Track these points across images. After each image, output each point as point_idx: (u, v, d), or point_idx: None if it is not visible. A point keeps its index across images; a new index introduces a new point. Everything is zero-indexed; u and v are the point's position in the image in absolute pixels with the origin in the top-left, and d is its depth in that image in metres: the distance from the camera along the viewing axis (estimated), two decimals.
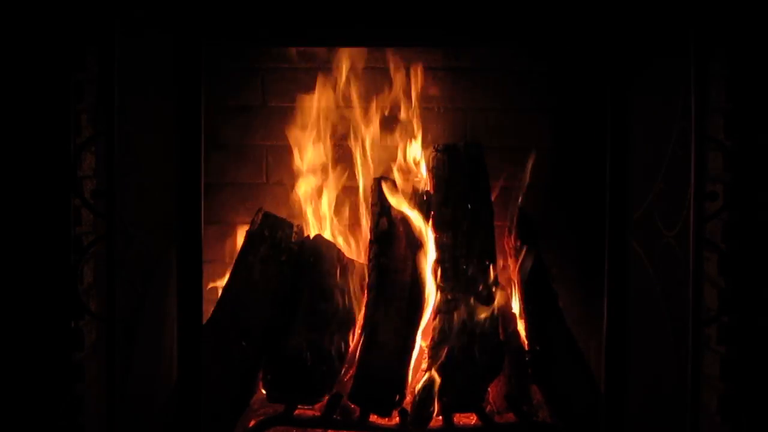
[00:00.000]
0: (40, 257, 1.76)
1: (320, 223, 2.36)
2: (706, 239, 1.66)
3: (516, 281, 2.28)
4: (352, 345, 2.17)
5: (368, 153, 2.39)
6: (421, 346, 2.18)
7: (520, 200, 2.29)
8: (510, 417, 2.12)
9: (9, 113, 1.75)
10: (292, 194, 2.36)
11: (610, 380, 1.92)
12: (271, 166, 2.42)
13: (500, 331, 2.14)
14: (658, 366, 1.81)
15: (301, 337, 2.10)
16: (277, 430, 2.01)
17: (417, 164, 2.36)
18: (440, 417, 2.03)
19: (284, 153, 2.39)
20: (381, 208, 2.18)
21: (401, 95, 2.42)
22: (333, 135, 2.40)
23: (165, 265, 1.86)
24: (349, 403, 2.07)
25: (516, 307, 2.30)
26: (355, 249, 2.36)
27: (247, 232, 2.24)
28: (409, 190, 2.25)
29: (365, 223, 2.32)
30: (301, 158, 2.37)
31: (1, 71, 1.75)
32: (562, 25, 1.88)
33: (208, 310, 2.12)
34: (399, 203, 2.19)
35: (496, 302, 2.14)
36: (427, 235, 2.20)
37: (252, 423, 2.04)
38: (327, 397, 2.07)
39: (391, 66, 2.39)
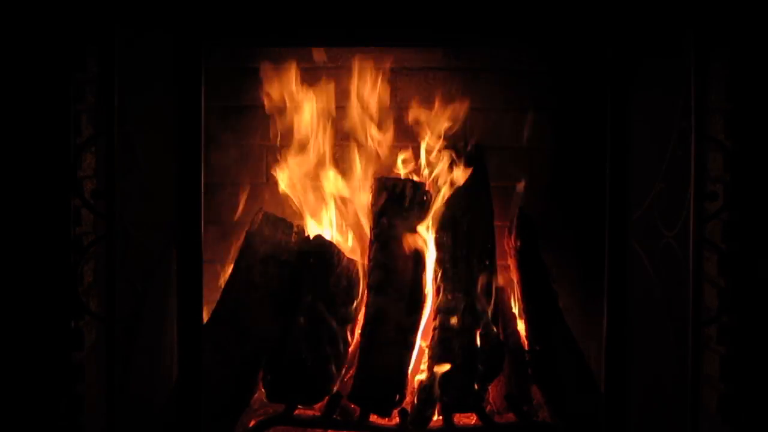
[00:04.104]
0: (40, 257, 1.76)
1: (320, 223, 2.36)
2: (706, 239, 1.66)
3: (516, 281, 2.28)
4: (352, 345, 2.17)
5: (368, 153, 2.39)
6: (421, 346, 2.18)
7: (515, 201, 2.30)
8: (510, 417, 2.12)
9: (9, 113, 1.75)
10: (293, 194, 2.36)
11: (610, 380, 1.92)
12: (271, 166, 2.41)
13: (500, 331, 2.14)
14: (658, 366, 1.81)
15: (301, 338, 2.10)
16: (277, 430, 2.01)
17: (417, 164, 2.36)
18: (440, 417, 2.03)
19: (284, 153, 2.38)
20: (381, 208, 2.18)
21: (400, 95, 2.42)
22: (333, 135, 2.40)
23: (165, 265, 1.86)
24: (349, 403, 2.07)
25: (516, 307, 2.30)
26: (355, 249, 2.35)
27: (247, 232, 2.24)
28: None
29: (365, 223, 2.31)
30: (301, 158, 2.37)
31: (1, 71, 1.75)
32: (562, 24, 1.88)
33: (208, 310, 2.12)
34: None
35: (496, 302, 2.14)
36: (428, 235, 2.20)
37: (252, 423, 2.05)
38: (327, 397, 2.07)
39: (391, 66, 2.39)
